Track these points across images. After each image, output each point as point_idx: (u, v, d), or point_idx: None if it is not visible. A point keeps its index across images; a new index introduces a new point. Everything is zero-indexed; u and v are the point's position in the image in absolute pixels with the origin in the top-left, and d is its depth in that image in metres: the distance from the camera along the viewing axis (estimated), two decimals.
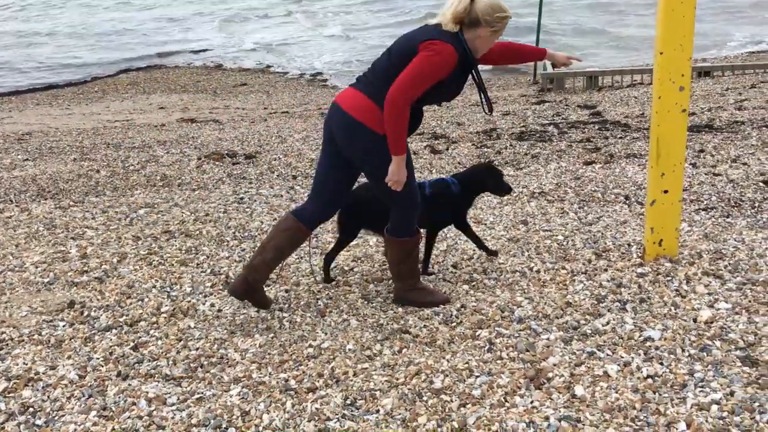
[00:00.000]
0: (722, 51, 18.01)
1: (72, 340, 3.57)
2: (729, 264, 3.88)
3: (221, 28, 25.78)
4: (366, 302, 3.87)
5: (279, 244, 3.66)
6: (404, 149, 3.39)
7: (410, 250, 3.74)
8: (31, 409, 2.96)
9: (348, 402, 2.89)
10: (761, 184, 5.65)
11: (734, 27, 20.60)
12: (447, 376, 3.01)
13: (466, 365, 3.07)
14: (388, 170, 3.43)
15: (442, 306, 3.71)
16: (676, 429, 2.53)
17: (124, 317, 3.79)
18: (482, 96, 3.59)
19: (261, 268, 3.67)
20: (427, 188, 4.02)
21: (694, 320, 3.28)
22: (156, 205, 5.96)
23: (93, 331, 3.64)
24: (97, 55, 21.35)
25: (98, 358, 3.36)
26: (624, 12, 23.69)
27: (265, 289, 4.07)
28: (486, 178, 4.16)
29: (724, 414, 2.59)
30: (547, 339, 3.24)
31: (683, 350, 3.04)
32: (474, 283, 4.00)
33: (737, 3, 23.16)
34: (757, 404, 2.62)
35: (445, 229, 4.93)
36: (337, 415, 2.80)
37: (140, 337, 3.57)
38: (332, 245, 4.23)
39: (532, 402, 2.77)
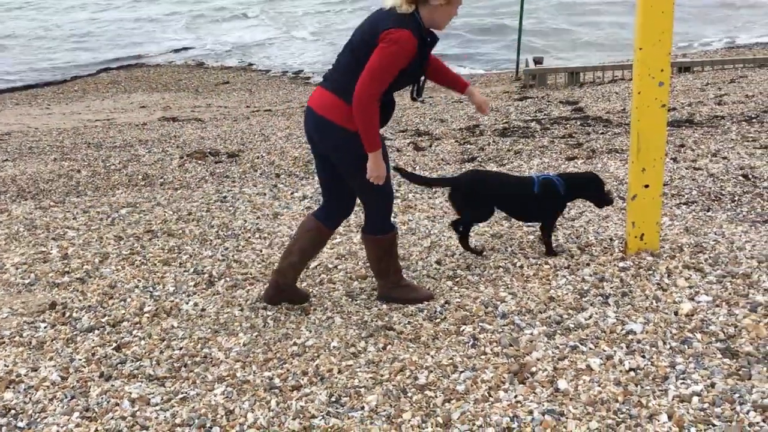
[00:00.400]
0: (690, 50, 18.16)
1: (54, 341, 3.54)
2: (709, 257, 3.92)
3: (199, 27, 25.58)
4: (350, 300, 3.87)
5: (303, 246, 3.73)
6: (379, 144, 3.36)
7: (388, 248, 3.74)
8: (12, 412, 2.94)
9: (333, 399, 2.90)
10: (741, 177, 5.71)
11: (704, 26, 20.70)
12: (431, 372, 3.02)
13: (450, 361, 3.09)
14: (360, 166, 3.41)
15: (426, 302, 3.71)
16: (658, 421, 2.56)
17: (107, 318, 3.77)
18: (419, 81, 3.50)
19: (288, 271, 3.75)
20: (536, 185, 4.11)
21: (676, 313, 3.31)
22: (138, 205, 5.92)
23: (75, 332, 3.62)
24: (72, 56, 21.11)
25: (80, 359, 3.34)
26: (599, 11, 23.80)
27: (249, 288, 4.07)
28: (590, 185, 4.22)
29: (705, 405, 2.62)
30: (531, 334, 3.26)
31: (665, 343, 3.07)
32: (458, 279, 4.01)
33: (705, 2, 23.28)
34: (737, 395, 2.65)
35: (429, 226, 4.95)
36: (321, 412, 2.80)
37: (123, 338, 3.55)
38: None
39: (515, 396, 2.78)
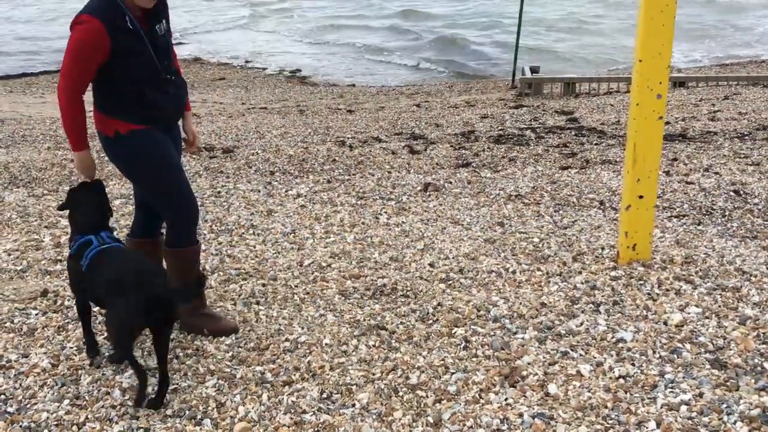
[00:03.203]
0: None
1: (45, 328, 3.53)
2: (700, 270, 3.96)
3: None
4: (343, 298, 3.87)
5: None
6: (82, 145, 3.13)
7: (192, 262, 3.45)
8: (2, 396, 2.93)
9: (324, 396, 2.91)
10: (732, 193, 5.77)
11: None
12: (423, 372, 3.04)
13: (442, 362, 3.10)
14: (138, 172, 3.25)
15: (419, 306, 3.72)
16: (647, 428, 2.59)
17: (98, 307, 3.75)
18: (159, 61, 3.16)
19: None
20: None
21: (665, 323, 3.35)
22: (131, 196, 5.89)
23: (66, 320, 3.61)
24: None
25: (72, 347, 3.34)
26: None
27: (242, 283, 4.08)
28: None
29: (693, 414, 2.65)
30: (522, 338, 3.29)
31: (654, 352, 3.10)
32: (450, 282, 4.03)
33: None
34: (725, 406, 2.68)
35: (422, 228, 4.97)
36: (313, 408, 2.82)
37: None
38: None
39: (506, 399, 2.80)
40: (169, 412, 2.81)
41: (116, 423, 2.76)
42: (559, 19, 24.03)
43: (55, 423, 2.77)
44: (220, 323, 3.51)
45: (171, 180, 3.28)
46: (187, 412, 2.80)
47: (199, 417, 2.78)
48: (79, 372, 3.12)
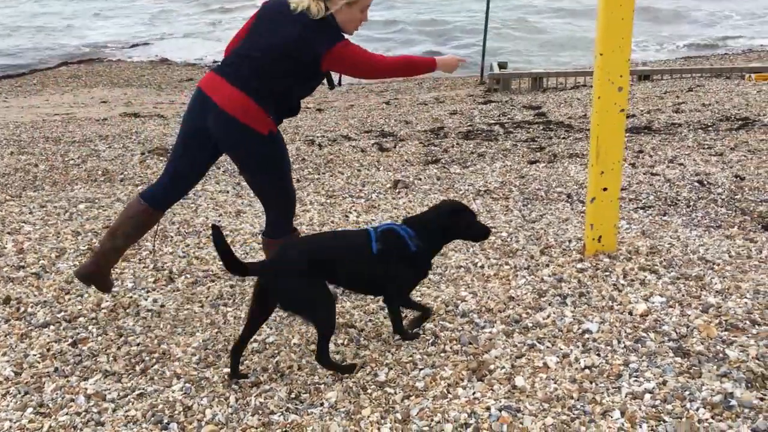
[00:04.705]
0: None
1: (7, 336, 3.47)
2: (664, 260, 4.01)
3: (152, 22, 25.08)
4: None
5: (126, 231, 3.58)
6: (430, 60, 3.58)
7: None
8: None
9: (292, 396, 2.90)
10: (696, 183, 5.85)
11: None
12: (391, 369, 3.04)
13: (410, 358, 3.11)
14: (266, 166, 3.48)
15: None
16: (611, 417, 2.61)
17: (63, 313, 3.70)
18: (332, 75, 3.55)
19: (111, 254, 3.61)
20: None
21: (630, 313, 3.39)
22: (97, 200, 5.83)
23: (30, 327, 3.55)
24: (27, 49, 20.69)
25: (35, 355, 3.28)
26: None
27: (210, 285, 4.04)
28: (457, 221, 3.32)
29: (657, 402, 2.68)
30: (490, 332, 3.30)
31: (619, 342, 3.13)
32: None
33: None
34: (687, 393, 2.72)
35: None
36: (281, 408, 2.80)
37: (79, 333, 3.50)
38: None
39: (474, 393, 2.81)
40: (134, 416, 2.77)
41: (81, 430, 2.72)
42: (509, 23, 24.06)
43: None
44: None
45: (289, 177, 3.61)
46: (152, 416, 2.77)
47: (165, 421, 2.75)
48: (43, 380, 3.08)
